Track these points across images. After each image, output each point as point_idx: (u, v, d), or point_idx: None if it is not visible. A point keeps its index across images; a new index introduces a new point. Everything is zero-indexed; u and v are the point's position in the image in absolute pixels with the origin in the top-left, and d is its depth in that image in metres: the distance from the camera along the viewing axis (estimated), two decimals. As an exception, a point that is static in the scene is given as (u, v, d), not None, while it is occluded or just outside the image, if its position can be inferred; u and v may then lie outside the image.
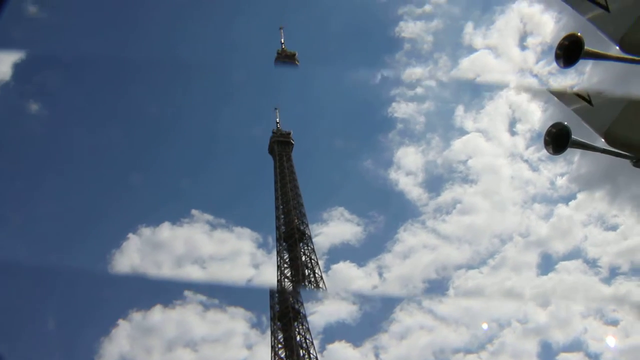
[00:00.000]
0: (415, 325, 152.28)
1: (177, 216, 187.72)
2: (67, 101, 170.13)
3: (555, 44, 11.16)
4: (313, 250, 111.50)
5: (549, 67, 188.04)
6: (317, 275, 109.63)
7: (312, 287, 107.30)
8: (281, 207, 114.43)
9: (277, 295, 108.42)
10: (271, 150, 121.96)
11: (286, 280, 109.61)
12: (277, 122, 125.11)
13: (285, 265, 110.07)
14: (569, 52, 10.91)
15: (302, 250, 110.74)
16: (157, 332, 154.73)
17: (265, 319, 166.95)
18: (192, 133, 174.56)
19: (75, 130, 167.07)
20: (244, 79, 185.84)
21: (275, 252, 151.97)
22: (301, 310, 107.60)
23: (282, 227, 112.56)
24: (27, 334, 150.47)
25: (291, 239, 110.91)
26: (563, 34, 11.23)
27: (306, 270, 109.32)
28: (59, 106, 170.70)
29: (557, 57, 11.12)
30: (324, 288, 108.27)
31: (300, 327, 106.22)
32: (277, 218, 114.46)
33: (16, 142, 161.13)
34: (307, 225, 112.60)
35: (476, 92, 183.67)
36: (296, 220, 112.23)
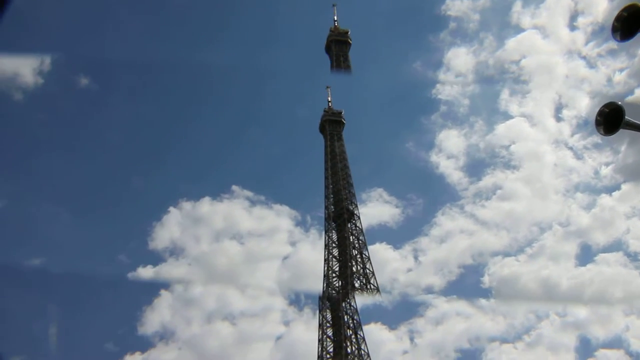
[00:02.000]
0: (455, 229, 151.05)
1: (218, 191, 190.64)
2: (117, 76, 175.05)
3: (608, 24, 10.31)
4: (362, 231, 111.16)
5: (598, 49, 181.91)
6: (364, 255, 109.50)
7: (361, 277, 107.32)
8: (331, 186, 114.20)
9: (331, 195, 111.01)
10: (322, 129, 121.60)
11: (334, 259, 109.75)
12: (329, 101, 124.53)
13: (333, 245, 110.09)
14: (629, 23, 10.05)
15: (350, 230, 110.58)
16: (205, 222, 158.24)
17: (310, 219, 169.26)
18: (239, 109, 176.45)
19: (122, 103, 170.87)
20: (296, 56, 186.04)
21: (313, 231, 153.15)
22: (355, 212, 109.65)
23: (332, 207, 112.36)
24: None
25: (340, 219, 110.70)
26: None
27: (354, 251, 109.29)
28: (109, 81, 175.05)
29: (615, 30, 10.28)
30: (375, 285, 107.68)
31: (354, 228, 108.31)
32: (327, 197, 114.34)
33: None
34: (356, 206, 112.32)
35: (522, 73, 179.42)
36: (345, 201, 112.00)
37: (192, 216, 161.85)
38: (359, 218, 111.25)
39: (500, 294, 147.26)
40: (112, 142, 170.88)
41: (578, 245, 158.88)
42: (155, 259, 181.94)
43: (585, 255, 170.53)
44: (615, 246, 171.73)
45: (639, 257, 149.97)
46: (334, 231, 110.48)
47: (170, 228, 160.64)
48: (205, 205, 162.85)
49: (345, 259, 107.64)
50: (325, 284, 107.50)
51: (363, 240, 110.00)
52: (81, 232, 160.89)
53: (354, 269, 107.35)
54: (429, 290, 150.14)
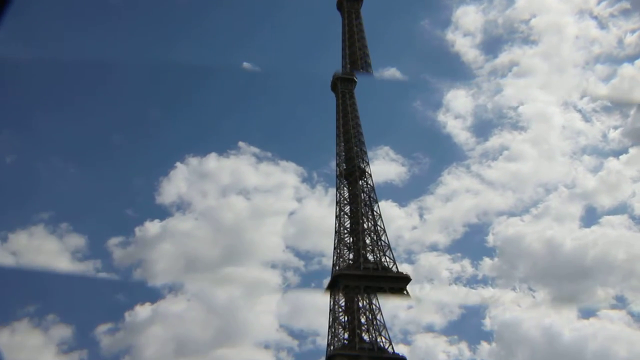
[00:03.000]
0: (461, 188, 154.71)
1: (224, 147, 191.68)
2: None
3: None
4: (373, 188, 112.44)
5: (611, 9, 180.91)
6: (375, 213, 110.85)
7: (372, 234, 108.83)
8: (342, 144, 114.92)
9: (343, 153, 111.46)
10: (334, 87, 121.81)
11: (345, 215, 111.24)
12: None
13: (345, 202, 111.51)
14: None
15: (362, 188, 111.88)
16: (212, 177, 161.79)
17: (316, 175, 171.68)
18: (248, 68, 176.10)
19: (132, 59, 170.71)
20: (307, 13, 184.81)
21: (319, 187, 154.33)
22: (366, 170, 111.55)
23: (343, 165, 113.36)
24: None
25: (351, 176, 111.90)
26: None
27: (365, 208, 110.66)
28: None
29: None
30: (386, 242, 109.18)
31: (365, 185, 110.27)
32: (338, 155, 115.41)
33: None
34: (367, 164, 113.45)
35: (531, 33, 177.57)
36: (357, 159, 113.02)
37: (198, 171, 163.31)
38: (370, 176, 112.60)
39: (504, 253, 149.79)
40: (120, 98, 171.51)
41: (583, 207, 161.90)
42: (162, 213, 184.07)
43: (590, 217, 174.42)
44: (621, 209, 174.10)
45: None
46: (345, 188, 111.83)
47: (177, 183, 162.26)
48: (212, 161, 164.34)
49: (357, 216, 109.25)
50: (336, 240, 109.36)
51: (374, 197, 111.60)
52: (89, 186, 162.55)
53: (365, 225, 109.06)
54: (433, 247, 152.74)
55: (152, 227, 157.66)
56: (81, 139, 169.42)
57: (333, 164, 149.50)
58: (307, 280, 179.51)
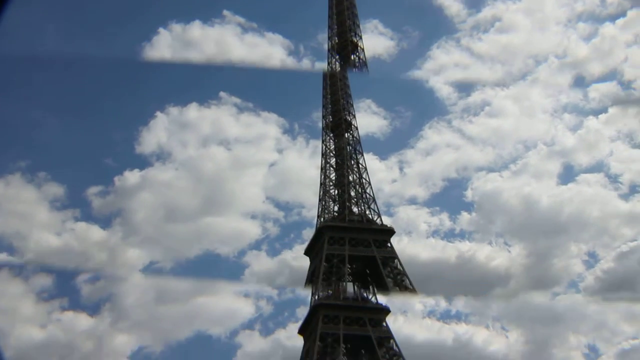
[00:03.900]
0: (442, 143, 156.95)
1: (205, 97, 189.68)
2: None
3: None
4: (358, 141, 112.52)
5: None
6: (360, 165, 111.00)
7: (357, 187, 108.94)
8: (329, 96, 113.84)
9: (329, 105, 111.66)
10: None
11: (331, 168, 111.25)
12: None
13: (331, 155, 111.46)
14: None
15: (347, 141, 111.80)
16: (193, 128, 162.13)
17: (297, 127, 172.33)
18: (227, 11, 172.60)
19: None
20: None
21: (300, 139, 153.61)
22: (353, 123, 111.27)
23: (329, 117, 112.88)
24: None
25: (337, 129, 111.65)
26: None
27: (350, 161, 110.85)
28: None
29: None
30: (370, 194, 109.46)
31: (351, 138, 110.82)
32: (330, 38, 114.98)
33: None
34: (353, 117, 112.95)
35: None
36: (344, 111, 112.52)
37: (179, 121, 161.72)
38: (357, 129, 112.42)
39: (482, 208, 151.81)
40: (98, 47, 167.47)
41: (561, 165, 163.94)
42: (142, 163, 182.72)
43: (568, 174, 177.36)
44: (597, 167, 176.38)
45: (619, 179, 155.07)
46: (331, 141, 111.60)
47: (157, 133, 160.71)
48: (193, 111, 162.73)
49: (342, 169, 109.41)
50: (321, 192, 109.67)
51: (360, 150, 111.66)
52: (67, 135, 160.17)
53: (350, 178, 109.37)
54: (412, 201, 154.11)
55: (132, 176, 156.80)
56: (61, 89, 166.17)
57: (315, 115, 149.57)
58: (286, 231, 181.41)
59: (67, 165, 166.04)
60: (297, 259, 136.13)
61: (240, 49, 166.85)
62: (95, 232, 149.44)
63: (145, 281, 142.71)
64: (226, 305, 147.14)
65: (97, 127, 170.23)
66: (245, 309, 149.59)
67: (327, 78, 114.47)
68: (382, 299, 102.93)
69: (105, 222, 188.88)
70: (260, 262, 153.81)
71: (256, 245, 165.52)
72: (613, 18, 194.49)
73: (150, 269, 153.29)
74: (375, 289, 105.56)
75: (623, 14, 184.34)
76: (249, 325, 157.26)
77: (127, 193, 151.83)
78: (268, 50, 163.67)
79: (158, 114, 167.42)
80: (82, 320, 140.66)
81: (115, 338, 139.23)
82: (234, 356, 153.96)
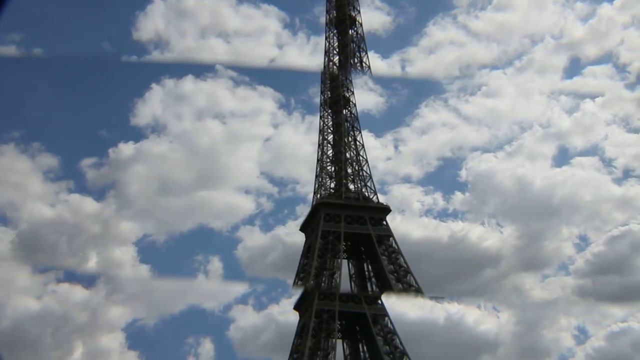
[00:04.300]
0: (438, 122, 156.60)
1: (201, 70, 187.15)
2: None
3: None
4: (356, 118, 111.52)
5: None
6: (358, 143, 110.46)
7: (358, 67, 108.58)
8: (327, 75, 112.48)
9: (328, 81, 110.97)
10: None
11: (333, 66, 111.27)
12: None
13: (328, 131, 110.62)
14: None
15: (345, 117, 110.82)
16: (188, 100, 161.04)
17: (294, 102, 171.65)
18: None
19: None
20: None
21: (296, 114, 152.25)
22: (351, 99, 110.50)
23: (328, 93, 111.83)
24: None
25: (336, 105, 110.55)
26: None
27: (348, 138, 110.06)
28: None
29: None
30: (367, 67, 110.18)
31: (349, 115, 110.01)
32: (327, 12, 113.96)
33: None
34: (352, 93, 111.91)
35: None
36: (342, 87, 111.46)
37: (174, 94, 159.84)
38: (355, 105, 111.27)
39: (476, 188, 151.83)
40: (98, 20, 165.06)
41: (556, 147, 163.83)
42: (137, 135, 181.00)
43: (562, 157, 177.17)
44: (592, 151, 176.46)
45: (613, 163, 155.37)
46: (329, 117, 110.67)
47: (152, 105, 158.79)
48: (189, 84, 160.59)
49: (339, 145, 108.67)
50: (318, 168, 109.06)
51: (357, 127, 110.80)
52: (62, 106, 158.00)
53: (347, 155, 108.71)
54: (406, 179, 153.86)
55: (126, 148, 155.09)
56: (55, 58, 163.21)
57: (311, 90, 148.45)
58: (280, 207, 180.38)
59: (61, 136, 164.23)
60: (291, 235, 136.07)
61: (235, 20, 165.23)
62: (89, 204, 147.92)
63: (149, 171, 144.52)
64: (228, 200, 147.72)
65: (92, 98, 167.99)
66: (246, 205, 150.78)
67: (330, 70, 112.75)
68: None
69: (99, 194, 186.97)
70: (253, 237, 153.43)
71: (249, 221, 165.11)
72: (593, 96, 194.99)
73: (144, 242, 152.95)
74: (370, 267, 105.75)
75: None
76: (249, 221, 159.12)
77: (122, 165, 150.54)
78: (263, 22, 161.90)
79: (153, 85, 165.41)
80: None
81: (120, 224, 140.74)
82: (235, 249, 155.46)
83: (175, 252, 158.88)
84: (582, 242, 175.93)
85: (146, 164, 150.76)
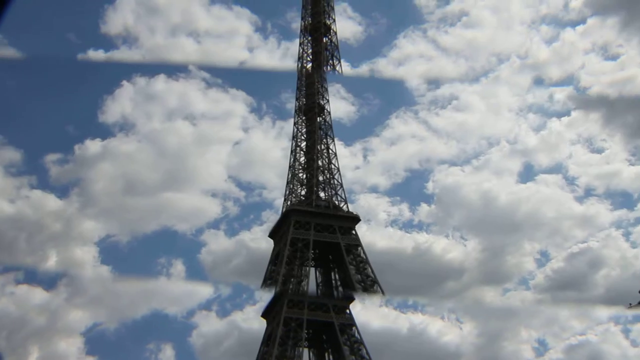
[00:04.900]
0: (407, 133, 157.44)
1: (174, 70, 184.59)
2: None
3: None
4: (330, 126, 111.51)
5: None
6: (331, 151, 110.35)
7: (326, 172, 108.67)
8: (303, 78, 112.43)
9: (303, 88, 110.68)
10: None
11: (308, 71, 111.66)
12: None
13: (302, 138, 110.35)
14: None
15: (320, 124, 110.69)
16: (159, 100, 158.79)
17: (265, 106, 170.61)
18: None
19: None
20: None
21: (267, 119, 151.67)
22: (326, 107, 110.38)
23: (309, 19, 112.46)
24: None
25: (310, 112, 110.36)
26: None
27: (321, 145, 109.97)
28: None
29: None
30: (339, 72, 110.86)
31: (323, 122, 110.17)
32: (303, 18, 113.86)
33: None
34: (327, 101, 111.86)
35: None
36: (317, 95, 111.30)
37: (145, 92, 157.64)
38: (329, 113, 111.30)
39: (442, 201, 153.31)
40: (68, 8, 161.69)
41: (522, 164, 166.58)
42: (104, 132, 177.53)
43: (527, 173, 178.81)
44: (556, 169, 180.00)
45: (576, 182, 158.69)
46: (303, 124, 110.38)
47: (121, 102, 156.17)
48: (160, 83, 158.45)
49: (312, 153, 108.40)
50: (289, 175, 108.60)
51: (331, 135, 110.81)
52: (27, 99, 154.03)
53: (320, 162, 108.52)
54: (373, 189, 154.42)
55: (93, 146, 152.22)
56: (24, 49, 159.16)
57: (283, 96, 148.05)
58: (246, 212, 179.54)
59: (25, 130, 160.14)
60: (256, 241, 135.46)
61: (206, 20, 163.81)
62: (51, 201, 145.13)
63: (114, 170, 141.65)
64: (194, 203, 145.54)
65: (60, 92, 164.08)
66: (212, 208, 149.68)
67: (303, 75, 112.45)
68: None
69: (62, 191, 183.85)
70: (218, 241, 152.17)
71: (215, 224, 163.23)
72: (574, 24, 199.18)
73: (106, 242, 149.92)
74: (338, 276, 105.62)
75: (583, 21, 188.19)
76: (215, 224, 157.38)
77: (87, 163, 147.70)
78: (235, 24, 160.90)
79: (124, 83, 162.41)
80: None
81: (83, 223, 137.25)
82: (199, 253, 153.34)
83: (138, 254, 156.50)
84: (543, 258, 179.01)
85: (112, 163, 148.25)
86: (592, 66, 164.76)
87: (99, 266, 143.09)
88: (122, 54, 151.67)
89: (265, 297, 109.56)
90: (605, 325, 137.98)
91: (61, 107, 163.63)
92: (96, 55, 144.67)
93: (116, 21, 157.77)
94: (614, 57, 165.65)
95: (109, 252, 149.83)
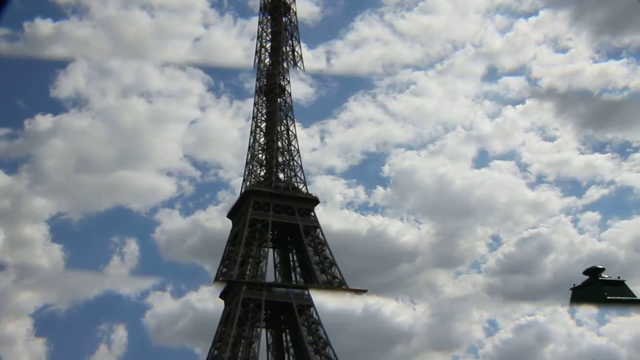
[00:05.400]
0: (365, 116, 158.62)
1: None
2: None
3: None
4: (291, 107, 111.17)
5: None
6: (291, 132, 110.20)
7: (291, 64, 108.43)
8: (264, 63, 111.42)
9: (264, 69, 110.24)
10: None
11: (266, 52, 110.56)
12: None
13: (262, 119, 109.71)
14: None
15: (280, 105, 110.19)
16: (114, 76, 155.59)
17: (223, 85, 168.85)
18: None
19: None
20: None
21: (224, 98, 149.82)
22: (287, 88, 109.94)
23: (264, 80, 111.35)
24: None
25: (271, 93, 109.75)
26: None
27: (281, 127, 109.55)
28: None
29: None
30: (301, 68, 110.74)
31: (284, 104, 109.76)
32: (259, 70, 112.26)
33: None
34: (288, 82, 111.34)
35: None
36: (278, 76, 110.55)
37: (99, 68, 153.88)
38: (290, 94, 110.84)
39: (397, 184, 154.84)
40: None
41: (477, 150, 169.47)
42: (56, 108, 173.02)
43: (482, 159, 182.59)
44: (510, 155, 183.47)
45: (528, 169, 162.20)
46: (264, 104, 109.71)
47: (75, 77, 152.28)
48: (116, 59, 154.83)
49: (272, 134, 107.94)
50: (249, 156, 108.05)
51: (291, 117, 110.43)
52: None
53: (279, 144, 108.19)
54: (330, 171, 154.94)
55: (44, 121, 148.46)
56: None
57: (241, 75, 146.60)
58: (201, 191, 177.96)
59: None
60: (210, 220, 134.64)
61: (159, 80, 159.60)
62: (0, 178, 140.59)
63: (66, 146, 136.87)
64: (149, 182, 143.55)
65: (9, 65, 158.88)
66: (168, 187, 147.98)
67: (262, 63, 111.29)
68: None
69: (10, 167, 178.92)
70: (172, 220, 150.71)
71: (170, 203, 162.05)
72: (527, 15, 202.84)
73: (57, 220, 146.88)
74: (296, 257, 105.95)
75: (536, 12, 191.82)
76: (169, 203, 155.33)
77: (38, 138, 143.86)
78: (188, 84, 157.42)
79: (78, 57, 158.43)
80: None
81: (33, 200, 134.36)
82: (153, 232, 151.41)
83: (90, 233, 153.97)
84: (495, 242, 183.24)
85: (64, 139, 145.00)
86: (543, 58, 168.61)
87: (50, 244, 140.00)
88: (76, 29, 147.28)
89: (228, 197, 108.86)
90: (556, 217, 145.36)
91: (10, 80, 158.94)
92: (46, 25, 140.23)
93: (67, 85, 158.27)
94: (564, 50, 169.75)
95: (60, 230, 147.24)
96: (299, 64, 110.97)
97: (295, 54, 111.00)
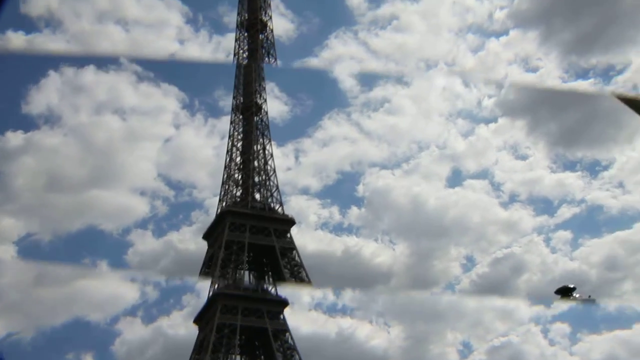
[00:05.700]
0: (339, 135, 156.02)
1: (105, 61, 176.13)
2: None
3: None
4: (267, 126, 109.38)
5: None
6: (267, 151, 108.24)
7: (262, 173, 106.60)
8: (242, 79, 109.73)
9: (241, 86, 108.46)
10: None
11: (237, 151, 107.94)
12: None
13: (238, 138, 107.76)
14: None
15: (256, 124, 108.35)
16: (87, 92, 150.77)
17: (197, 103, 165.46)
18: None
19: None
20: None
21: (199, 116, 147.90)
22: (263, 107, 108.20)
23: (245, 14, 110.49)
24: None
25: (247, 112, 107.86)
26: None
27: (257, 146, 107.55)
28: None
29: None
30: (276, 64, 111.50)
31: (260, 122, 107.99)
32: (239, 13, 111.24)
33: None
34: (270, 18, 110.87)
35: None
36: (255, 94, 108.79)
37: (73, 84, 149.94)
38: (267, 113, 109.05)
39: (372, 204, 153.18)
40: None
41: (450, 169, 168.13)
42: (28, 124, 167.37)
43: (455, 178, 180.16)
44: (483, 174, 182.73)
45: (501, 188, 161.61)
46: (240, 123, 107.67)
47: (47, 93, 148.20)
48: (89, 74, 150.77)
49: (248, 153, 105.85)
50: (225, 175, 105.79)
51: (268, 136, 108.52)
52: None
53: (256, 163, 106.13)
54: (304, 191, 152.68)
55: (14, 138, 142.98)
56: None
57: (217, 93, 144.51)
58: (175, 211, 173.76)
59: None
60: (184, 242, 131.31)
61: (135, 8, 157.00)
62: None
63: (37, 164, 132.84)
64: (110, 290, 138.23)
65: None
66: (130, 294, 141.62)
67: (241, 67, 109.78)
68: (281, 291, 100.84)
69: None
70: (145, 241, 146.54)
71: (142, 224, 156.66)
72: (498, 35, 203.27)
73: (26, 241, 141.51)
74: (272, 279, 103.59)
75: (506, 32, 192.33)
76: (142, 224, 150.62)
77: (7, 156, 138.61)
78: (165, 15, 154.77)
79: (51, 72, 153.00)
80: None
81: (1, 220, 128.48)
82: (125, 254, 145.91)
83: (61, 254, 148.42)
84: (469, 263, 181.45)
85: (35, 157, 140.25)
86: (514, 77, 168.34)
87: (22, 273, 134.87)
88: (49, 42, 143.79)
89: (193, 301, 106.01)
90: (526, 326, 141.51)
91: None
92: (18, 38, 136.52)
93: (39, 101, 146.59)
94: (534, 70, 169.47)
95: (29, 251, 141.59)
96: (273, 63, 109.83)
97: (272, 63, 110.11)
